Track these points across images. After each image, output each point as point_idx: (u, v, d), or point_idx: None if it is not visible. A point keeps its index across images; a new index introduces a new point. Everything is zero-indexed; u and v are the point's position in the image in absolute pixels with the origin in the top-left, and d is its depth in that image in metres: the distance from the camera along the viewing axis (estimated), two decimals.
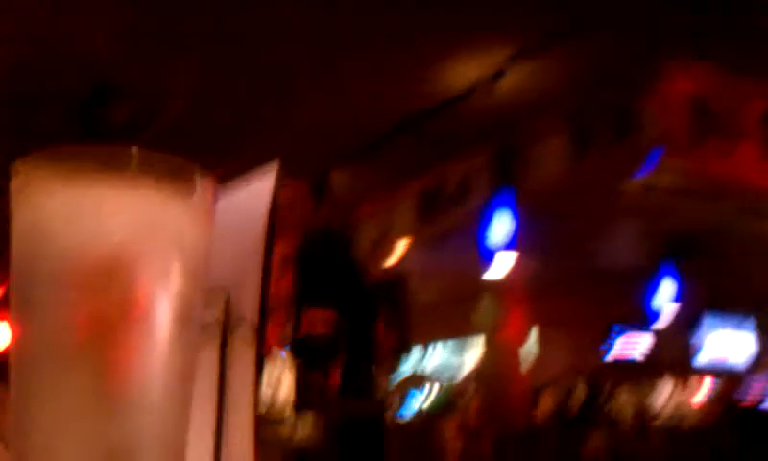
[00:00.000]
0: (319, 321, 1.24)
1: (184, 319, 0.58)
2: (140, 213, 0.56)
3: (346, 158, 8.44)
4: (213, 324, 1.11)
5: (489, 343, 8.80)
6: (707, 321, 12.38)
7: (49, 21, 4.92)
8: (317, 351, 1.21)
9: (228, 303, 1.09)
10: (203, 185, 0.61)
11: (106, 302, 0.53)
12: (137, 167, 0.57)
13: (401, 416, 13.72)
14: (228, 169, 1.18)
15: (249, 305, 1.07)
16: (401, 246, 9.86)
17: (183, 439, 0.58)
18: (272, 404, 1.19)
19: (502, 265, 7.03)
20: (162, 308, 0.56)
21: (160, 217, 0.58)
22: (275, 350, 1.24)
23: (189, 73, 5.88)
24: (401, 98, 7.42)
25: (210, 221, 0.62)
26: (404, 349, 10.30)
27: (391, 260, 10.06)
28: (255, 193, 1.10)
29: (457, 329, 14.02)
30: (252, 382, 1.03)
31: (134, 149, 0.58)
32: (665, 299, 8.22)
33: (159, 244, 0.57)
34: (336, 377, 1.24)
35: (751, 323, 12.93)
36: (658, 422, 11.61)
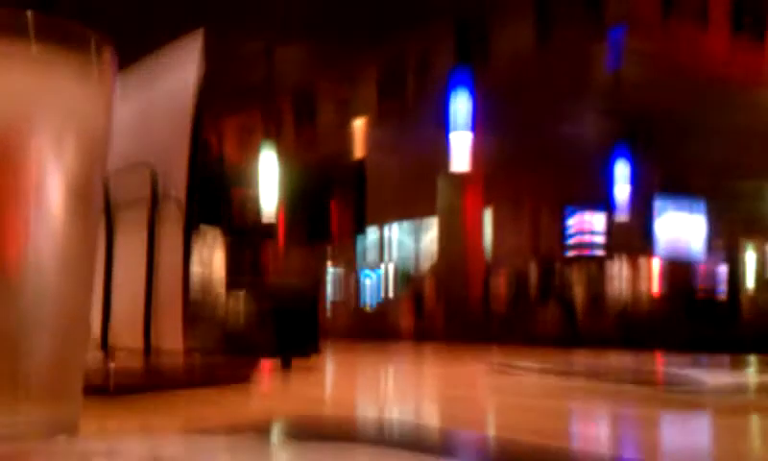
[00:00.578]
0: (250, 201, 1.21)
1: (80, 195, 0.55)
2: (30, 83, 0.53)
3: (301, 31, 8.22)
4: (141, 200, 1.08)
5: (445, 223, 8.88)
6: (660, 203, 12.61)
7: None
8: (248, 230, 1.19)
9: (154, 179, 1.06)
10: (101, 57, 0.57)
11: None
12: (30, 33, 0.53)
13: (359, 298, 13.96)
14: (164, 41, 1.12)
15: (176, 182, 1.04)
16: (360, 124, 9.78)
17: (83, 319, 0.56)
18: (203, 282, 1.18)
19: (461, 144, 7.01)
20: (55, 183, 0.53)
21: (52, 88, 0.54)
22: (204, 227, 1.22)
23: None
24: None
25: (109, 94, 0.59)
26: (360, 230, 10.37)
27: (350, 139, 10.00)
28: (181, 67, 1.05)
29: (415, 210, 14.12)
30: (180, 259, 1.02)
31: (29, 13, 0.54)
32: (620, 180, 8.32)
33: (51, 115, 0.54)
34: (269, 257, 1.23)
35: (703, 206, 13.21)
36: (610, 302, 11.98)
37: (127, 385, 0.86)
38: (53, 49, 0.55)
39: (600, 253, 12.89)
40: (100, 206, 0.61)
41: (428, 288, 12.37)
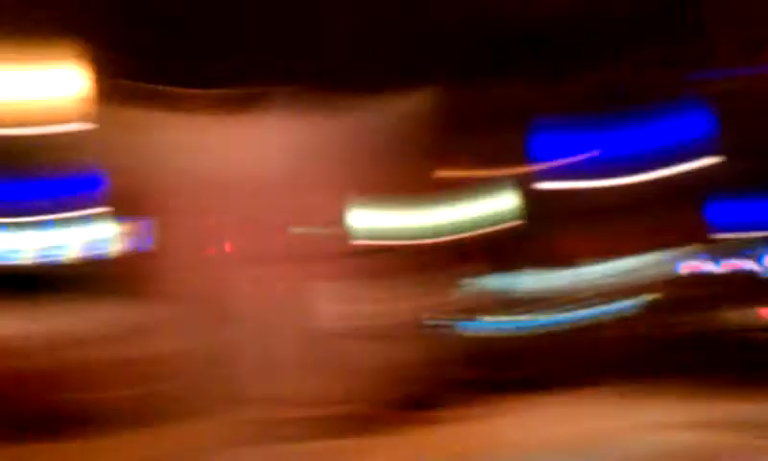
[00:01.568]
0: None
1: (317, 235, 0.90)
2: (266, 142, 0.87)
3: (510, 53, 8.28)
4: (340, 250, 1.46)
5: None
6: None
7: None
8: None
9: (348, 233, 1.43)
10: (328, 114, 0.88)
11: (229, 214, 0.89)
12: (265, 106, 0.86)
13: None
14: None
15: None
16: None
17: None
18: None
19: (688, 164, 6.67)
20: (288, 225, 0.87)
21: (281, 145, 0.90)
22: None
23: None
24: None
25: (342, 144, 0.93)
26: (583, 257, 10.35)
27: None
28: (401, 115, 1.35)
29: (638, 238, 13.66)
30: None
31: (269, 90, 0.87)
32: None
33: (281, 168, 0.90)
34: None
35: None
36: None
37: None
38: (288, 113, 0.89)
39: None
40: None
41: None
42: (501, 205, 9.07)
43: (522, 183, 10.88)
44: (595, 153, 9.37)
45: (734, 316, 8.56)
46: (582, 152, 9.71)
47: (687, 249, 9.01)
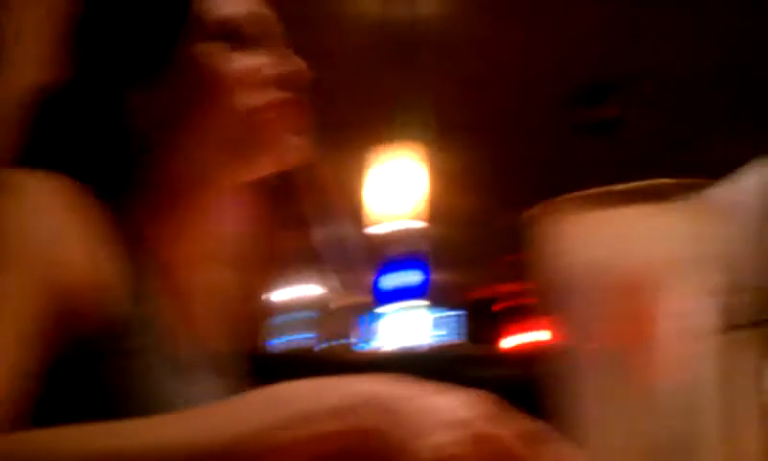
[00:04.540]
0: None
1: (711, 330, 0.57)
2: (661, 239, 0.57)
3: None
4: (747, 326, 1.06)
5: None
6: None
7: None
8: None
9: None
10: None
11: (631, 313, 0.55)
12: (663, 198, 0.57)
13: None
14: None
15: None
16: None
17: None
18: None
19: None
20: (684, 321, 0.56)
21: (682, 242, 0.58)
22: None
23: (670, 62, 5.33)
24: None
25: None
26: None
27: None
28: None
29: None
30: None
31: (660, 182, 0.58)
32: None
33: (680, 263, 0.57)
34: None
35: None
36: None
37: None
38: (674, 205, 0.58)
39: None
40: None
41: None
42: None
43: None
44: None
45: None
46: None
47: None
